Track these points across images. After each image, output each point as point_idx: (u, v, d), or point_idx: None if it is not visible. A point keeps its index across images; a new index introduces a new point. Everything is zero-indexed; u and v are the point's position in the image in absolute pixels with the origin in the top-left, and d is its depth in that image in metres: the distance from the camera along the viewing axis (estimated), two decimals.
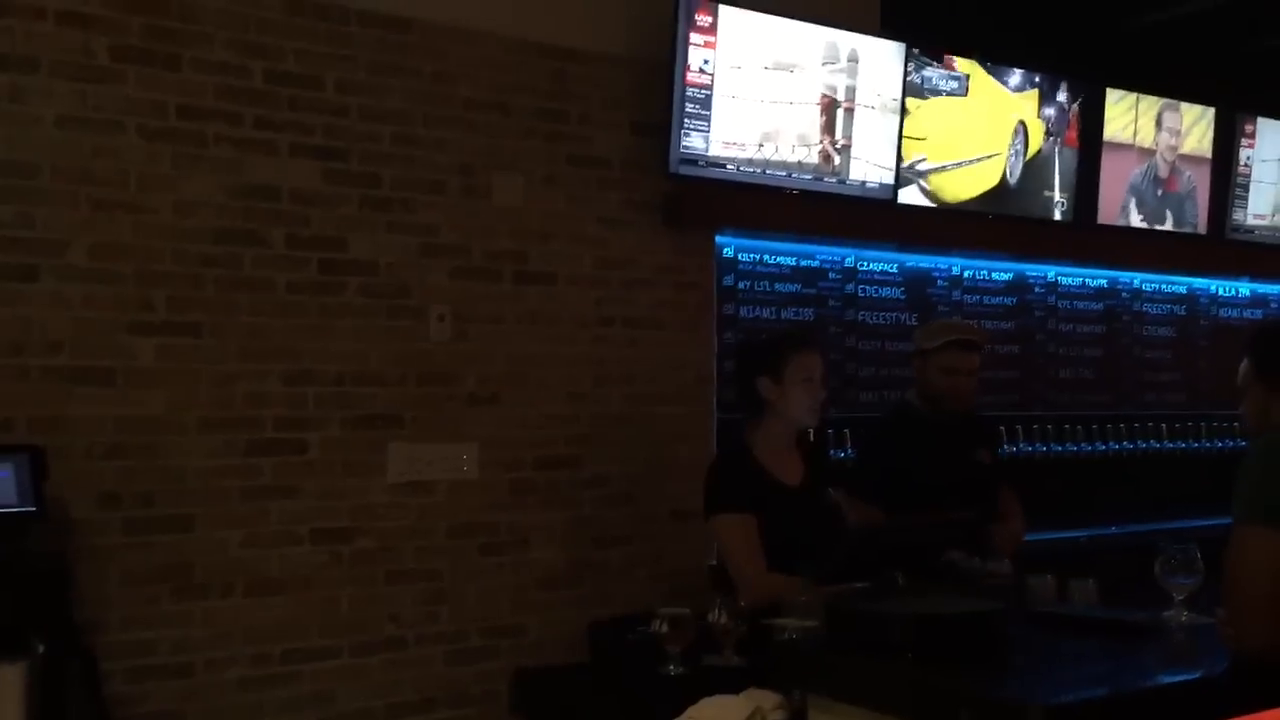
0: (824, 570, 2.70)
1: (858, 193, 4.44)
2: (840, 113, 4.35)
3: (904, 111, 4.50)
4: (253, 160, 3.37)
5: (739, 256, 4.52)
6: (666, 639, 2.60)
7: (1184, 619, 2.52)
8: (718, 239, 4.36)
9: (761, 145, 4.17)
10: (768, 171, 4.20)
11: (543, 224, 3.88)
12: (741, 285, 4.54)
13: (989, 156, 4.81)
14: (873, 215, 4.55)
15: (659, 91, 3.96)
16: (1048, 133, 4.99)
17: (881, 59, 4.43)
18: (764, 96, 4.16)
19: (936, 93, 4.63)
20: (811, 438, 4.31)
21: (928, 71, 4.59)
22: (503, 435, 3.77)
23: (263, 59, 3.39)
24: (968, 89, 4.72)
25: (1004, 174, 4.85)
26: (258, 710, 3.31)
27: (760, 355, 3.11)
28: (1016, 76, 4.89)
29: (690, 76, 3.97)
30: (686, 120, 3.98)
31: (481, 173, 3.77)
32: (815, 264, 4.75)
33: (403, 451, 3.57)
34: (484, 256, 3.76)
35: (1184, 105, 5.37)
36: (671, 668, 2.59)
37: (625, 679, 2.70)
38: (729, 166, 4.11)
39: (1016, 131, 4.87)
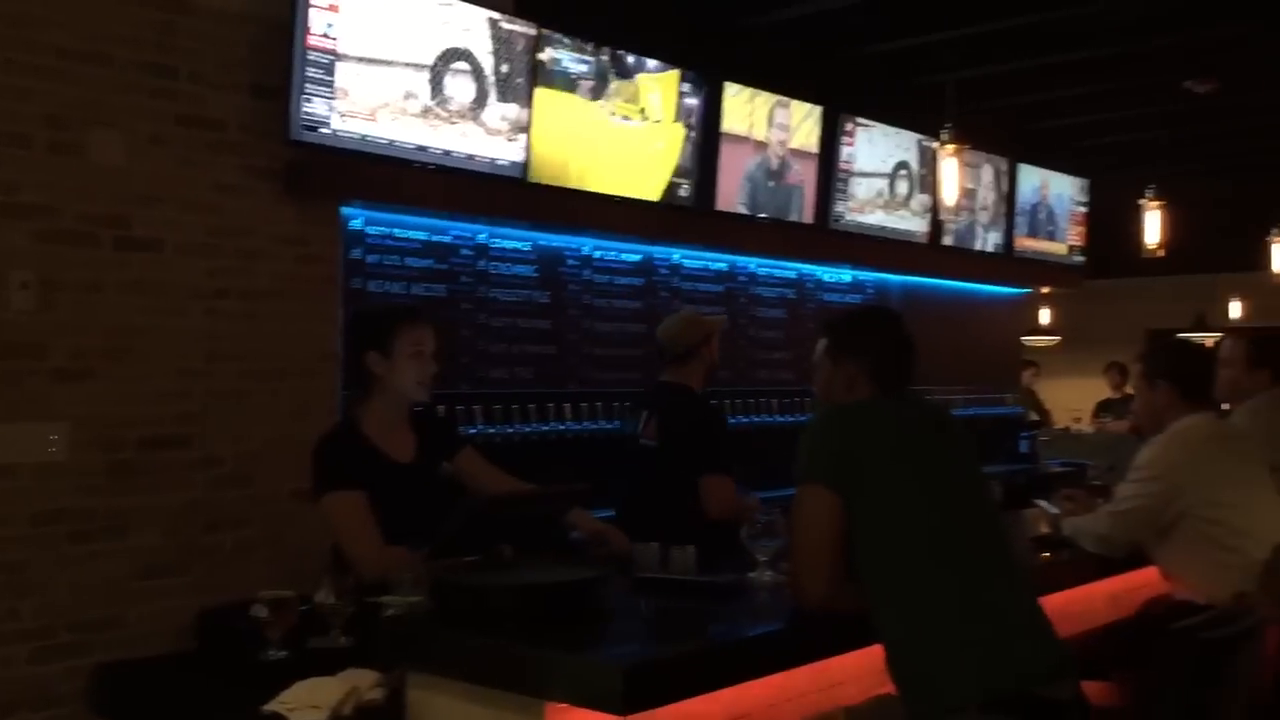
0: (435, 545, 2.70)
1: (488, 169, 4.46)
2: (472, 88, 4.34)
3: (533, 91, 4.56)
4: None
5: (367, 229, 4.43)
6: (267, 623, 2.50)
7: (767, 578, 2.72)
8: (344, 210, 4.25)
9: (390, 117, 4.09)
10: (395, 143, 4.13)
11: (148, 187, 3.62)
12: (370, 259, 4.45)
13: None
14: (504, 192, 4.58)
15: (280, 53, 3.79)
16: (688, 127, 5.21)
17: (513, 38, 4.45)
18: (393, 67, 4.07)
19: (566, 75, 4.72)
20: (441, 413, 4.33)
21: (558, 53, 4.67)
22: (100, 413, 3.49)
23: None
24: (597, 74, 4.85)
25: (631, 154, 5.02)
26: None
27: (368, 329, 3.05)
28: (649, 65, 5.06)
29: (312, 40, 3.82)
30: (308, 85, 3.83)
31: (75, 128, 3.46)
32: (448, 239, 4.73)
33: None
34: (77, 219, 3.45)
35: (794, 103, 5.78)
36: (272, 652, 2.50)
37: (224, 667, 2.58)
38: (355, 136, 3.99)
39: (642, 114, 5.05)
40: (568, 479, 3.82)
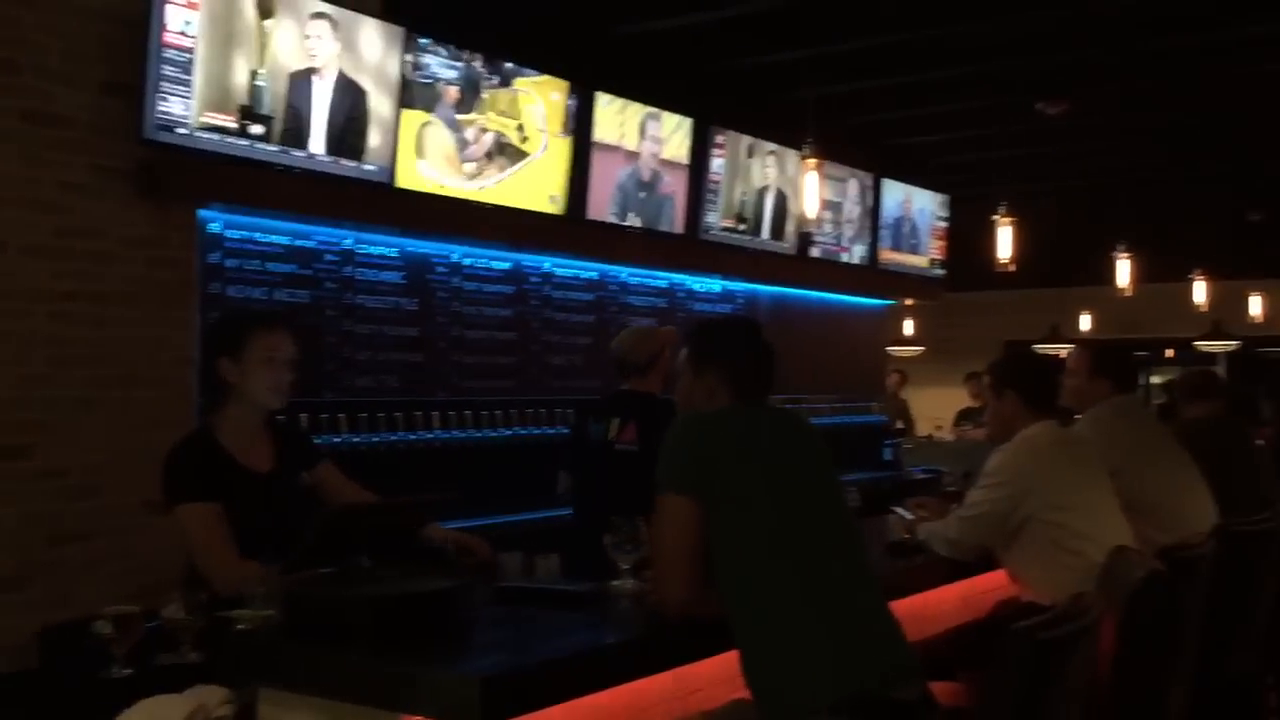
0: (291, 557, 2.63)
1: (354, 174, 4.38)
2: (336, 91, 4.27)
3: (403, 95, 4.50)
4: None
5: (227, 233, 4.32)
6: (111, 640, 2.40)
7: (630, 586, 2.73)
8: (202, 213, 4.13)
9: (254, 118, 3.99)
10: (257, 146, 4.03)
11: None
12: (230, 263, 4.34)
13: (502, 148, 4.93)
14: (371, 198, 4.51)
15: (133, 49, 3.67)
16: (569, 130, 5.22)
17: (379, 42, 4.39)
18: (254, 68, 3.98)
19: (434, 81, 4.67)
20: (304, 422, 4.24)
21: (426, 58, 4.62)
22: None
23: None
24: (468, 81, 4.81)
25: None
26: None
27: (221, 334, 2.97)
28: (526, 73, 5.04)
29: (169, 37, 3.71)
30: (164, 84, 3.72)
31: None
32: (312, 244, 4.64)
33: None
34: None
35: (665, 114, 5.83)
36: (116, 670, 2.40)
37: (66, 686, 2.47)
38: (214, 137, 3.89)
39: (519, 130, 5.03)
40: (435, 489, 3.78)
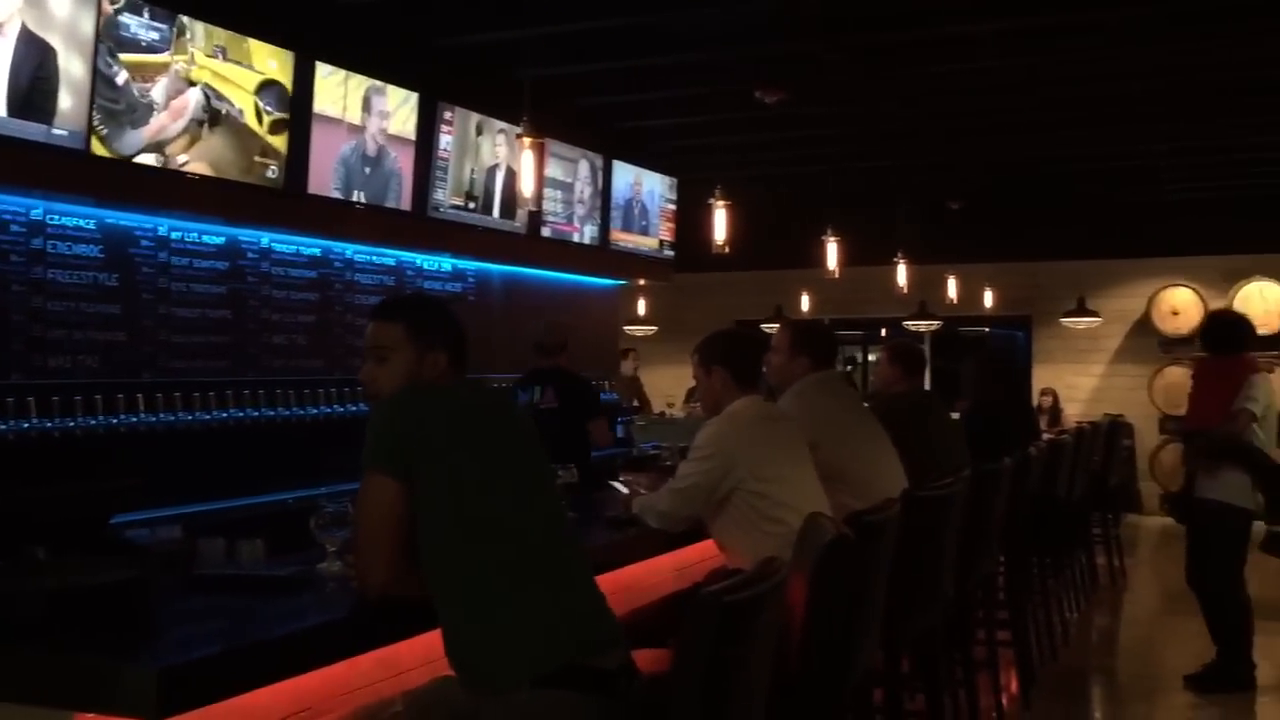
0: None
1: (42, 139, 4.07)
2: (19, 48, 3.94)
3: (98, 55, 4.21)
4: None
5: None
6: None
7: (336, 569, 2.67)
8: None
9: None
10: None
11: None
12: None
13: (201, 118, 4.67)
14: (63, 166, 4.20)
15: None
16: (286, 100, 5.01)
17: None
18: None
19: (135, 42, 4.39)
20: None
21: (125, 17, 4.33)
22: None
23: None
24: (172, 44, 4.54)
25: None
26: None
27: None
28: (236, 38, 4.81)
29: None
30: None
31: None
32: None
33: None
34: None
35: (390, 88, 5.70)
36: None
37: None
38: None
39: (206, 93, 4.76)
40: (136, 474, 3.57)
